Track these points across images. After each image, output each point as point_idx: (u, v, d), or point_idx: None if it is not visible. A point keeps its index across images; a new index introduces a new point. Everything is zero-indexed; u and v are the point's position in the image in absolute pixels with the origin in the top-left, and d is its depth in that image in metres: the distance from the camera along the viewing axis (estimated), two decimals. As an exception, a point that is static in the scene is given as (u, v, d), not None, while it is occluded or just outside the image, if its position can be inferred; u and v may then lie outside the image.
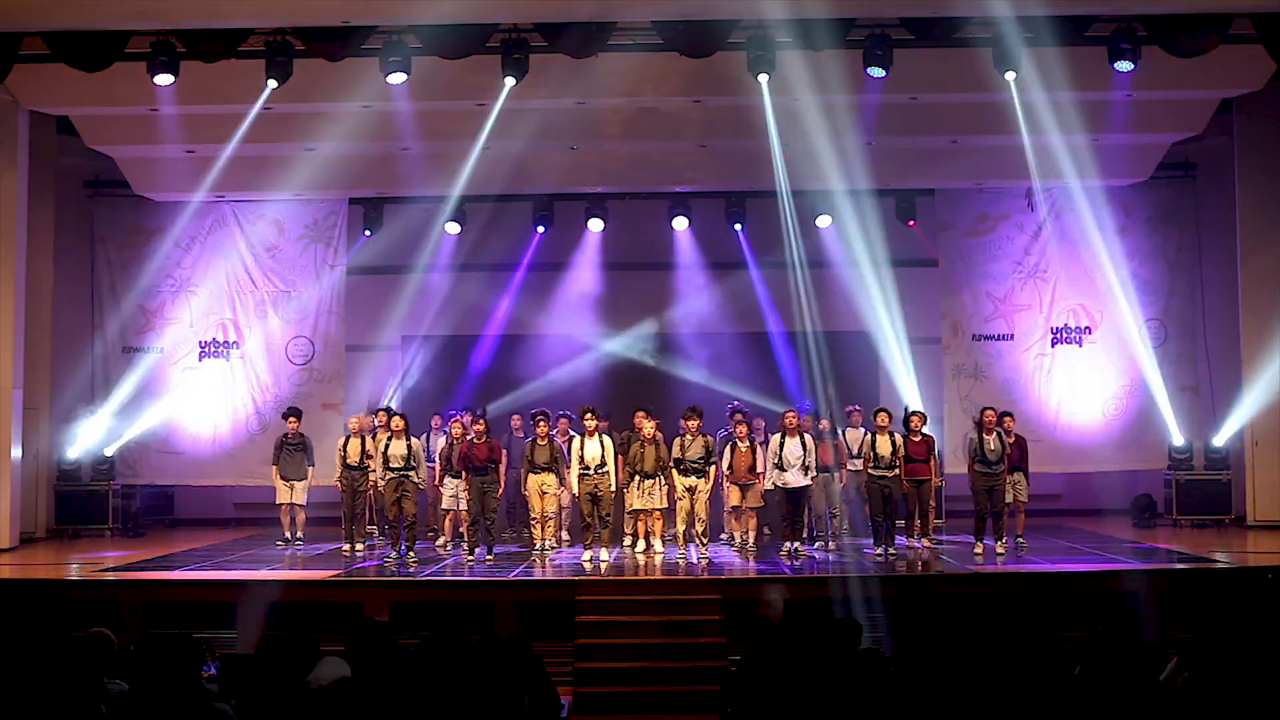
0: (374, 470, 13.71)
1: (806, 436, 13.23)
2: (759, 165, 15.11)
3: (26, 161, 15.02)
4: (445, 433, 13.98)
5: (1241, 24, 12.50)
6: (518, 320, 17.72)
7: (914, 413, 13.84)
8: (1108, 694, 5.42)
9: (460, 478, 13.30)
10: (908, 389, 16.86)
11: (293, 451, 14.70)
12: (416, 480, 13.40)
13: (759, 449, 13.52)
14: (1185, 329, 17.24)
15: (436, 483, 14.13)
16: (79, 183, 17.41)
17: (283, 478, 14.66)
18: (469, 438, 13.27)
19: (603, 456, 12.98)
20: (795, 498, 13.22)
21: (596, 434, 13.07)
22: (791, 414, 13.37)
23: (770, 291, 17.33)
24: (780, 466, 13.10)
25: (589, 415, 13.19)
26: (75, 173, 17.18)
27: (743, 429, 13.46)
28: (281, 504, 14.70)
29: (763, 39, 12.64)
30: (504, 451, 13.60)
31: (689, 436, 13.16)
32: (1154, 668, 5.76)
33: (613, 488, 13.08)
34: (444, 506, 13.94)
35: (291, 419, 14.85)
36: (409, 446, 13.38)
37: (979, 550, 13.16)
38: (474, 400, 16.25)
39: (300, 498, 14.68)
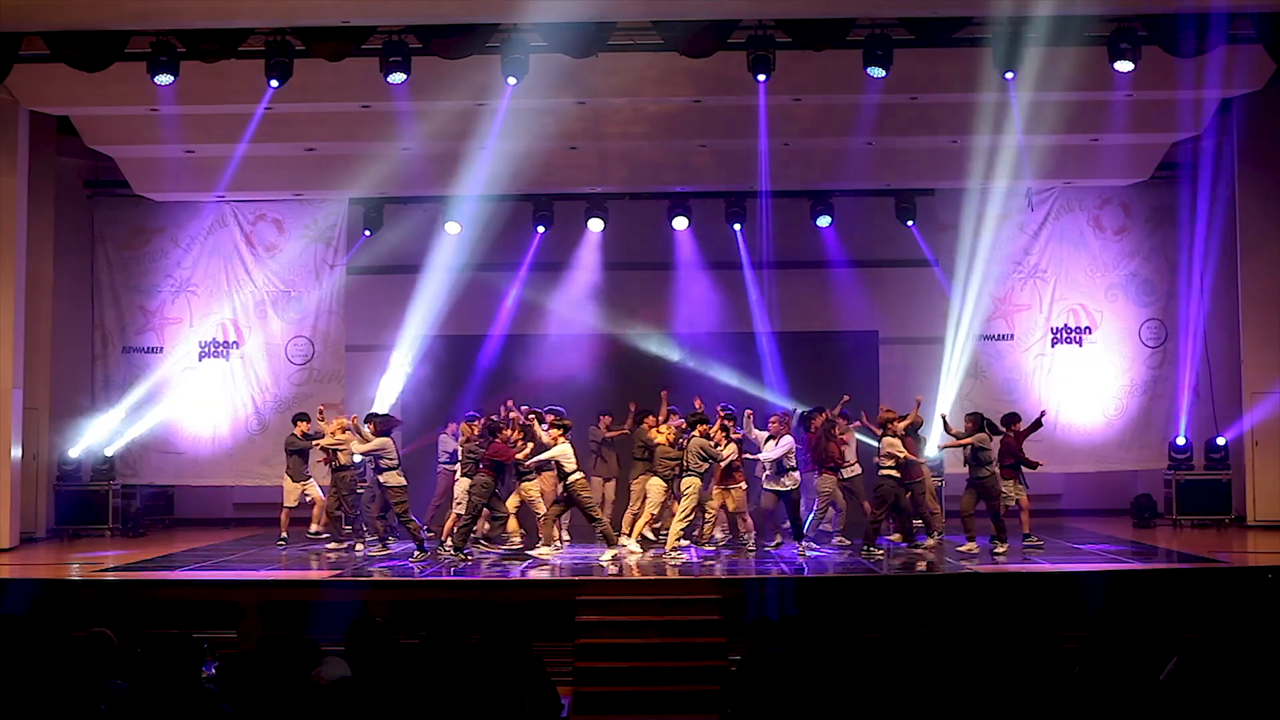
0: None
1: (788, 438, 13.23)
2: (759, 165, 15.12)
3: (26, 161, 15.03)
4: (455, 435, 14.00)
5: (1241, 24, 12.50)
6: (517, 320, 17.70)
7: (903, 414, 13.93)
8: (1108, 694, 5.42)
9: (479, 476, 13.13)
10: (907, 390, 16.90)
11: (291, 454, 14.74)
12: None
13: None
14: (1185, 329, 17.23)
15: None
16: (79, 183, 17.40)
17: (291, 479, 14.76)
18: (508, 436, 13.22)
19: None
20: (789, 499, 13.24)
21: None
22: (774, 418, 13.41)
23: (762, 291, 17.35)
24: (775, 469, 13.16)
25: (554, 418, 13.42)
26: (75, 173, 17.18)
27: (719, 434, 13.43)
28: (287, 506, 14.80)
29: (761, 39, 12.64)
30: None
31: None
32: (1154, 668, 5.76)
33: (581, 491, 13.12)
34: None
35: (300, 423, 14.91)
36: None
37: (969, 548, 13.08)
38: (479, 403, 16.23)
39: (291, 500, 14.72)
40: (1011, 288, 17.39)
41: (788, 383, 16.54)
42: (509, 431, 13.31)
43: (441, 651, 6.14)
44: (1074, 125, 14.98)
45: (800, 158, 15.97)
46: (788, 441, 13.22)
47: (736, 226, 17.24)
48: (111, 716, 5.38)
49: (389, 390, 17.22)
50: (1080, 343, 17.34)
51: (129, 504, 16.84)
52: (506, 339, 17.57)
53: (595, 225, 17.30)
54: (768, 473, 13.33)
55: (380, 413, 14.67)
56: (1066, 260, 17.34)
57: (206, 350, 17.53)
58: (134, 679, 5.69)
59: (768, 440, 13.32)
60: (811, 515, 14.20)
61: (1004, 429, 13.69)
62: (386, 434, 13.43)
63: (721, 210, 17.25)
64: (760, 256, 17.03)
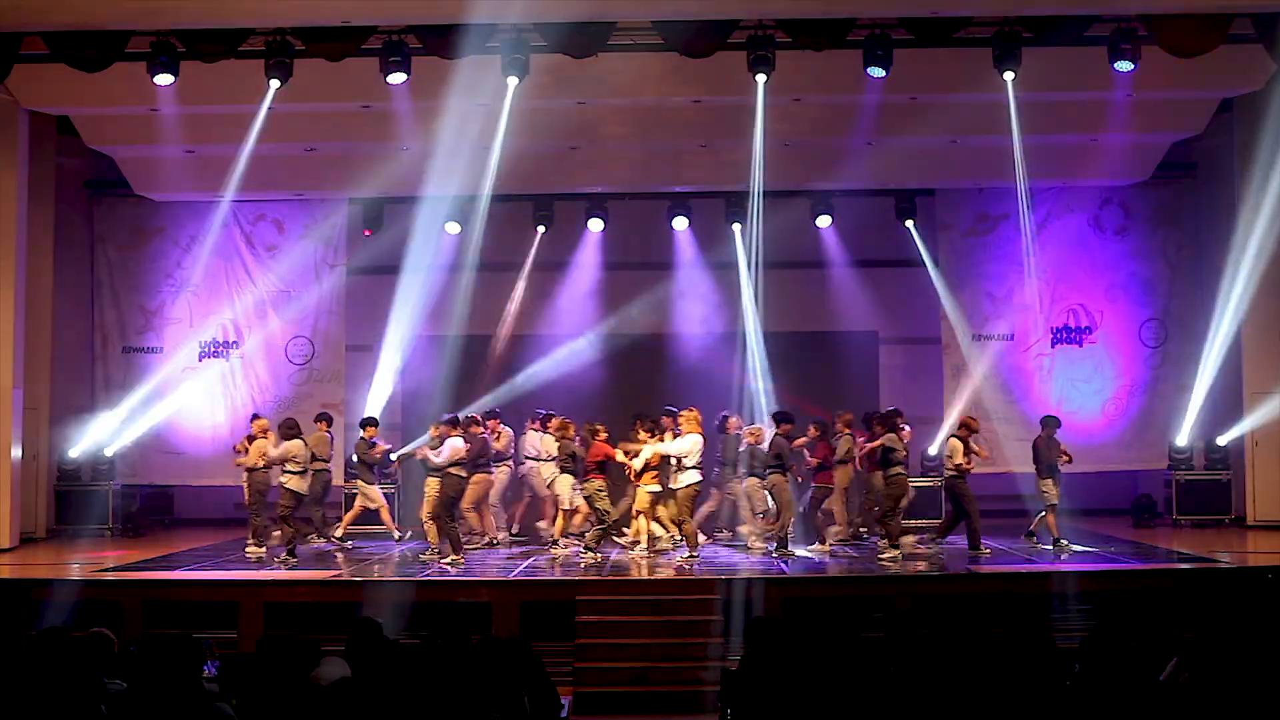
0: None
1: (694, 437, 12.93)
2: (758, 165, 15.13)
3: (26, 161, 15.02)
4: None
5: (1241, 24, 12.50)
6: (517, 320, 17.70)
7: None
8: (1107, 694, 5.42)
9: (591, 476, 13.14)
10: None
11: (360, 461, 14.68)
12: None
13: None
14: (1185, 329, 17.24)
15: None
16: (79, 183, 17.41)
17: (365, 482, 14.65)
18: (603, 437, 13.25)
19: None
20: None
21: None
22: (683, 416, 13.11)
23: (760, 291, 17.34)
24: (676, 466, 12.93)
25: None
26: (75, 173, 17.18)
27: (644, 434, 13.26)
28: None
29: (761, 39, 12.64)
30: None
31: None
32: (1154, 668, 5.76)
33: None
34: (568, 505, 13.83)
35: (369, 428, 14.76)
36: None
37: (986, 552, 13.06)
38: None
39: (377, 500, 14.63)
40: (1011, 288, 17.39)
41: (788, 383, 16.51)
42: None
43: (441, 651, 6.14)
44: (1074, 125, 14.98)
45: (800, 158, 15.96)
46: (691, 440, 12.83)
47: (736, 226, 17.23)
48: (111, 716, 5.38)
49: (380, 391, 17.21)
50: (1080, 343, 17.34)
51: (129, 504, 16.83)
52: (507, 339, 17.57)
53: (595, 225, 17.31)
54: (673, 469, 12.96)
55: (290, 417, 14.39)
56: (1066, 260, 17.33)
57: (206, 350, 17.54)
58: (134, 679, 5.69)
59: (683, 439, 12.97)
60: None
61: (1045, 428, 13.82)
62: (295, 438, 13.39)
63: (721, 210, 17.24)
64: (757, 256, 17.03)
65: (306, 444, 13.72)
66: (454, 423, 13.23)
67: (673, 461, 12.96)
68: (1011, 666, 5.80)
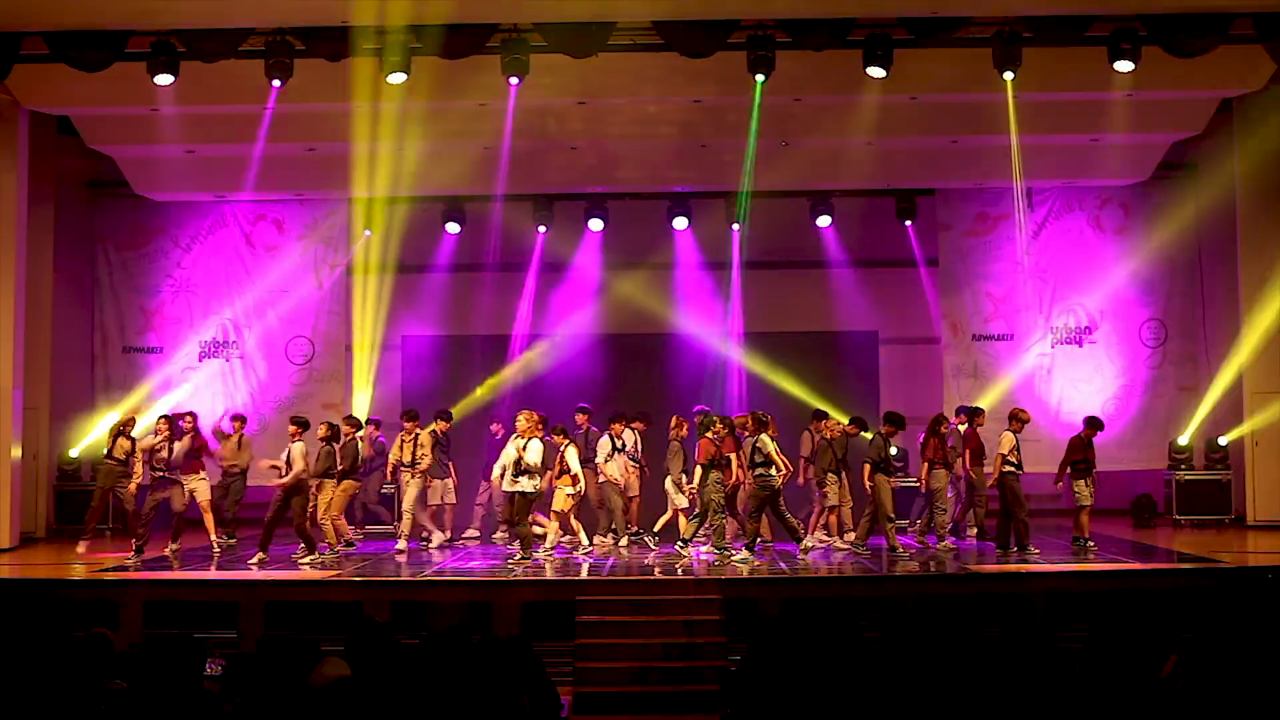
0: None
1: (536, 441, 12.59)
2: (759, 165, 15.13)
3: (26, 161, 15.01)
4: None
5: (1241, 24, 12.51)
6: (517, 319, 17.70)
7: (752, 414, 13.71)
8: (1108, 694, 5.41)
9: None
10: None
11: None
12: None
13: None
14: (1185, 329, 17.24)
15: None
16: (79, 183, 17.41)
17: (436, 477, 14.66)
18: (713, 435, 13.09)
19: None
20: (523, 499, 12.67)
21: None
22: (525, 414, 12.73)
23: (759, 291, 17.34)
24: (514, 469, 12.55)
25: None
26: (75, 173, 17.17)
27: (558, 436, 13.27)
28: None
29: (761, 39, 12.64)
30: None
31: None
32: (1154, 668, 5.76)
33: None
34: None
35: (440, 422, 14.79)
36: None
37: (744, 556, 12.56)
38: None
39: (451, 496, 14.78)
40: (1011, 288, 17.41)
41: (788, 383, 16.52)
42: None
43: (441, 651, 6.14)
44: (1074, 125, 14.99)
45: (800, 158, 15.97)
46: (535, 446, 12.49)
47: (735, 226, 17.23)
48: (111, 716, 5.38)
49: (379, 390, 17.20)
50: (1080, 343, 17.36)
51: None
52: (505, 339, 17.57)
53: (595, 225, 17.31)
54: (508, 473, 12.52)
55: (164, 416, 14.37)
56: (1066, 260, 17.36)
57: (206, 350, 17.55)
58: (134, 679, 5.69)
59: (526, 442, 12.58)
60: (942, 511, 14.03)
61: (1086, 428, 13.77)
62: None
63: (721, 210, 17.25)
64: (751, 256, 17.05)
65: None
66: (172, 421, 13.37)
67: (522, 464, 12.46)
68: (1011, 667, 5.80)
